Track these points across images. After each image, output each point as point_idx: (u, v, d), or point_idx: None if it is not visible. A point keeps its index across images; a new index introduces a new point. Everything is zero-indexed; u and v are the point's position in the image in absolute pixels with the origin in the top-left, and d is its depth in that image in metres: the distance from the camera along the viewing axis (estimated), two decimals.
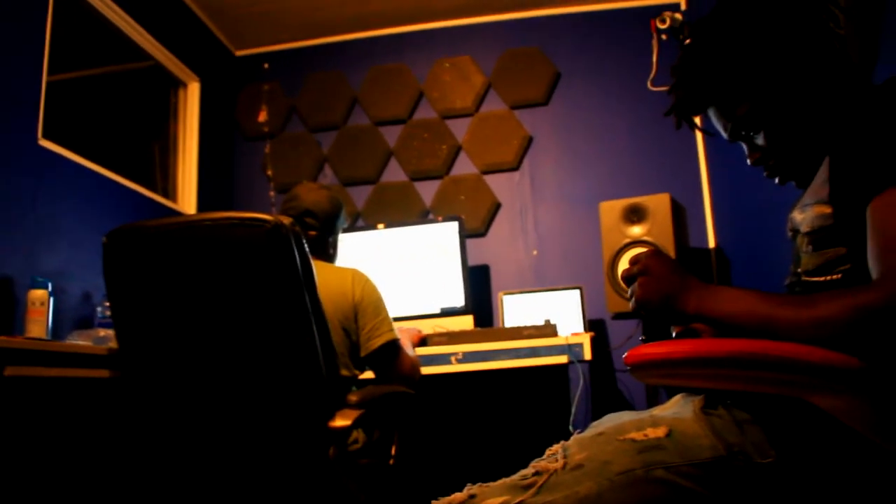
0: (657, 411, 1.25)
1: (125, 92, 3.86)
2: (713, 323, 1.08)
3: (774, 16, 1.22)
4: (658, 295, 1.11)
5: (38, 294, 2.42)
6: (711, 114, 1.32)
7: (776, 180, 1.31)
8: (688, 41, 1.32)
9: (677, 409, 1.20)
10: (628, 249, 3.20)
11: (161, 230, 1.83)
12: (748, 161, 1.33)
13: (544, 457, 1.14)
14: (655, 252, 1.16)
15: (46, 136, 2.70)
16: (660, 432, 1.07)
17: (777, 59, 1.21)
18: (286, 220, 1.75)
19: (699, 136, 3.68)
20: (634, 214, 3.23)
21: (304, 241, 1.78)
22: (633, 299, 1.14)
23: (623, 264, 3.20)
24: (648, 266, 1.13)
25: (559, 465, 1.08)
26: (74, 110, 3.19)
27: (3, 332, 2.28)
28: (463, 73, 4.05)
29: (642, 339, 3.07)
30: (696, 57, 1.28)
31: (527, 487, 1.08)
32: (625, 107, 3.87)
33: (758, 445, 1.03)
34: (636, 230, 3.22)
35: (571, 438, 1.16)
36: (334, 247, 2.49)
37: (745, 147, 1.33)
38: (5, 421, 1.90)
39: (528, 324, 2.82)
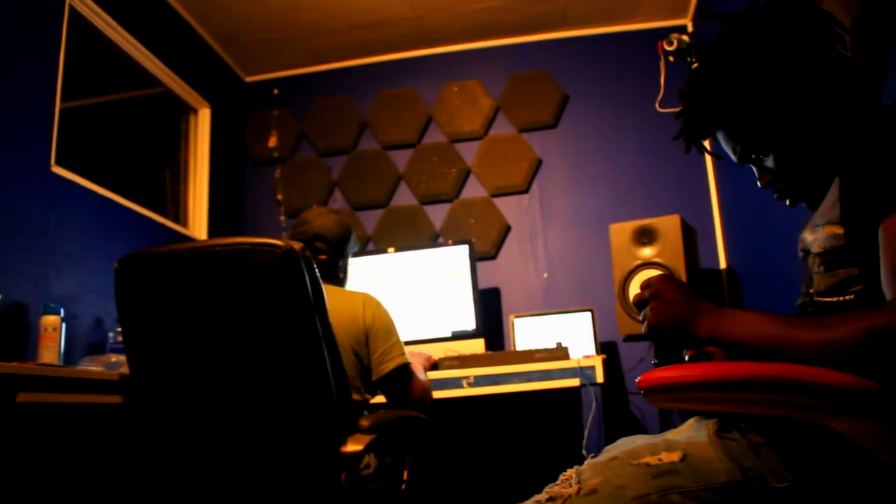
0: (671, 435, 1.24)
1: (136, 118, 3.90)
2: (726, 346, 1.07)
3: (780, 39, 1.22)
4: (670, 319, 1.10)
5: (50, 320, 2.42)
6: (720, 137, 1.32)
7: (787, 202, 1.31)
8: (695, 65, 1.32)
9: (691, 433, 1.19)
10: (639, 271, 3.19)
11: (172, 256, 1.84)
12: (758, 183, 1.33)
13: (558, 482, 1.13)
14: (666, 276, 1.16)
15: (59, 162, 2.72)
16: (674, 457, 1.06)
17: (784, 82, 1.21)
18: (297, 245, 1.75)
19: (708, 157, 3.68)
20: (645, 236, 3.23)
21: (315, 265, 1.78)
22: (646, 324, 1.14)
23: (634, 286, 3.19)
24: (660, 290, 1.13)
25: (573, 490, 1.07)
26: (86, 137, 3.22)
27: (17, 358, 2.29)
28: (471, 96, 4.08)
29: (655, 363, 3.05)
30: (703, 81, 1.29)
31: None
32: (633, 128, 3.88)
33: (773, 469, 1.02)
34: (647, 252, 3.21)
35: (585, 463, 1.15)
36: (344, 271, 2.50)
37: (755, 170, 1.33)
38: (18, 447, 1.90)
39: (540, 346, 2.81)
